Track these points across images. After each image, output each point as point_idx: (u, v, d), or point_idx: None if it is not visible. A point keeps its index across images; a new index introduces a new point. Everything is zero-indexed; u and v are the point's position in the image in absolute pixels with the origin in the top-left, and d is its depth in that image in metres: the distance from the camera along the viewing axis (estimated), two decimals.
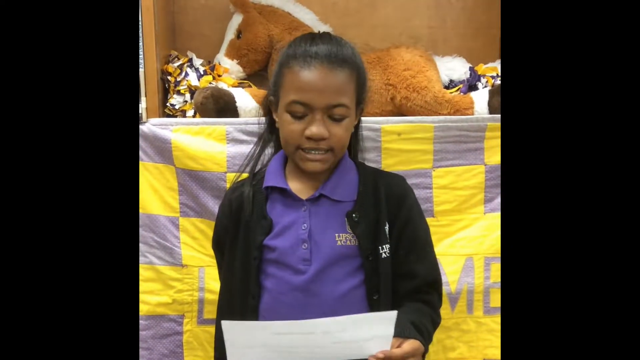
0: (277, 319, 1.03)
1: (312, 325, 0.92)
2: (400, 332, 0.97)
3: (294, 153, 1.06)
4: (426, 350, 1.03)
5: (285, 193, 1.09)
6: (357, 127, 1.18)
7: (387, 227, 1.08)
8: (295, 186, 1.09)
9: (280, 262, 1.06)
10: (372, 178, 1.12)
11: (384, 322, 0.93)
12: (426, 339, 1.03)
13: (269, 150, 1.20)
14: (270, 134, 1.17)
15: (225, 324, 0.91)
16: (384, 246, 1.07)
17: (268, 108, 1.14)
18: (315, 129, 1.02)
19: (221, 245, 1.17)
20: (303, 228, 1.06)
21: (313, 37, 1.07)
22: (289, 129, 1.04)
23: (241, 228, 1.10)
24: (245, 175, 1.19)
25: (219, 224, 1.19)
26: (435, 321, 1.11)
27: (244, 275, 1.08)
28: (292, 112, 1.03)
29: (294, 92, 1.03)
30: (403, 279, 1.09)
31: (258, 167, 1.18)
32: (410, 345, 0.97)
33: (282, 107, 1.05)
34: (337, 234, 1.06)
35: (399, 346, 0.96)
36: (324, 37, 1.08)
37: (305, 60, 1.02)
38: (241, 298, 1.09)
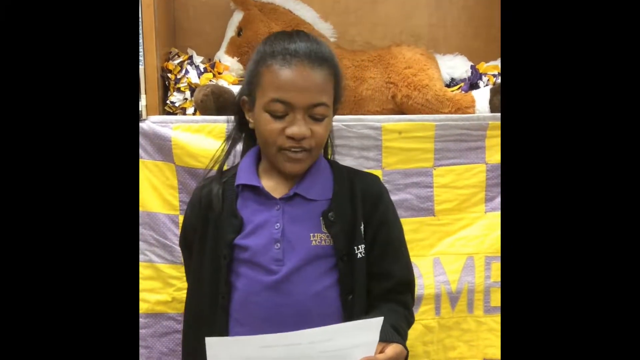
0: (248, 319, 1.03)
1: (298, 336, 0.90)
2: (383, 337, 0.96)
3: (274, 154, 1.04)
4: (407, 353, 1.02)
5: (257, 191, 1.07)
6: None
7: (362, 227, 1.07)
8: (269, 184, 1.07)
9: (252, 261, 1.04)
10: (347, 177, 1.10)
11: (369, 329, 0.92)
12: (404, 341, 1.02)
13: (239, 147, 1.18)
14: (239, 131, 1.15)
15: (209, 340, 0.88)
16: (359, 246, 1.06)
17: (239, 107, 1.11)
18: (297, 129, 1.00)
19: (189, 244, 1.14)
20: (276, 227, 1.04)
21: (290, 35, 1.05)
22: (269, 129, 1.02)
23: (210, 226, 1.08)
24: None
25: (187, 222, 1.16)
26: (410, 322, 1.10)
27: (213, 275, 1.06)
28: (271, 111, 1.01)
29: (274, 90, 1.00)
30: (378, 279, 1.08)
31: (228, 165, 1.16)
32: (393, 349, 0.96)
33: (260, 107, 1.03)
34: (311, 234, 1.04)
35: (381, 351, 0.95)
36: (301, 34, 1.06)
37: (284, 59, 1.00)
38: (210, 298, 1.06)
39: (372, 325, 0.92)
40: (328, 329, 0.91)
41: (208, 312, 1.06)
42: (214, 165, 1.15)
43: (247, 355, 0.90)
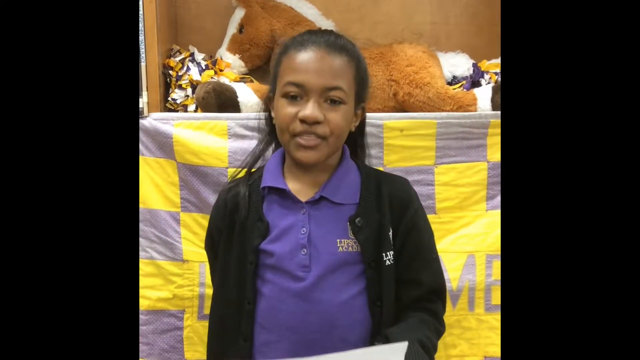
0: (275, 326, 1.01)
1: None
2: (410, 358, 0.92)
3: (288, 142, 1.01)
4: None
5: (283, 194, 1.04)
6: (362, 126, 1.14)
7: (390, 233, 1.04)
8: (295, 187, 1.04)
9: (278, 267, 1.02)
10: (375, 180, 1.07)
11: (393, 354, 0.88)
12: (433, 355, 0.99)
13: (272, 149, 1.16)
14: (271, 133, 1.12)
15: None
16: (387, 253, 1.02)
17: (268, 106, 1.10)
18: (309, 111, 0.97)
19: (215, 247, 1.12)
20: (302, 232, 1.01)
21: (315, 30, 1.06)
22: (283, 114, 1.00)
23: (236, 230, 1.06)
24: (242, 174, 1.14)
25: (212, 225, 1.14)
26: (440, 332, 1.06)
27: (239, 280, 1.04)
28: (286, 93, 1.00)
29: (289, 74, 1.00)
30: (407, 287, 1.04)
31: (257, 166, 1.14)
32: None
33: (278, 94, 1.02)
34: (338, 240, 1.02)
35: None
36: (326, 31, 1.07)
37: (302, 44, 1.00)
38: (236, 303, 1.04)
39: (397, 350, 0.88)
40: (350, 353, 0.87)
41: (233, 317, 1.04)
42: (243, 167, 1.14)
43: None
